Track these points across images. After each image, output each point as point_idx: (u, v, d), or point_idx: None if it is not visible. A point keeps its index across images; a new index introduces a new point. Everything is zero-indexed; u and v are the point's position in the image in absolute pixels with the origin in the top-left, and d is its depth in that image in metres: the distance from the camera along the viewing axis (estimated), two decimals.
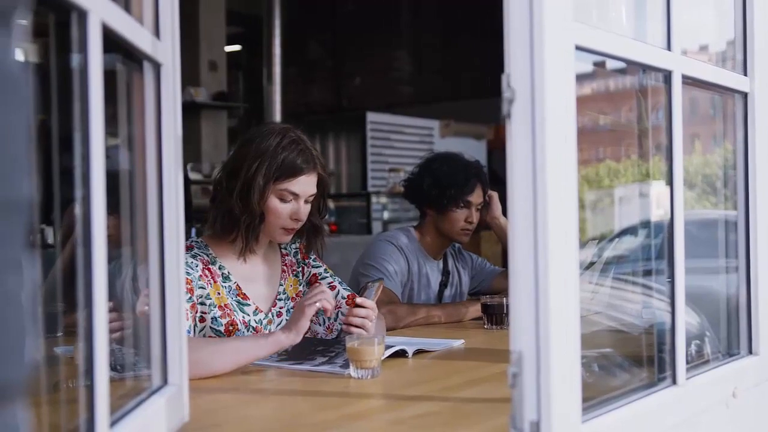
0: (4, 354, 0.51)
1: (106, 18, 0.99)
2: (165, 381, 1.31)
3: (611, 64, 1.44)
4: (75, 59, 0.96)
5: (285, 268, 2.26)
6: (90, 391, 0.96)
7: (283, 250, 2.29)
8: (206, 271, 2.07)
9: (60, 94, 0.97)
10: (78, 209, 0.96)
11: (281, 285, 2.23)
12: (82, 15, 0.94)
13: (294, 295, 2.25)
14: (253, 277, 2.18)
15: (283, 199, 2.08)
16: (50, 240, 2.80)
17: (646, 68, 1.48)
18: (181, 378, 1.33)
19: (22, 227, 0.53)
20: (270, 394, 1.74)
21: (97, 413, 0.96)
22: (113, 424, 1.03)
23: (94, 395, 0.96)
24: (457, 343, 2.26)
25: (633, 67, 1.50)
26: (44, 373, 1.12)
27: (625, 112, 1.91)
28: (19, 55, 0.56)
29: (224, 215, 2.10)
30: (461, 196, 2.87)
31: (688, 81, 1.49)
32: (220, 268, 2.11)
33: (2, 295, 0.49)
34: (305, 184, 2.09)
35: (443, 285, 3.02)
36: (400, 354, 2.03)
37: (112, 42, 1.05)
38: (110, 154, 1.02)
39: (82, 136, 0.95)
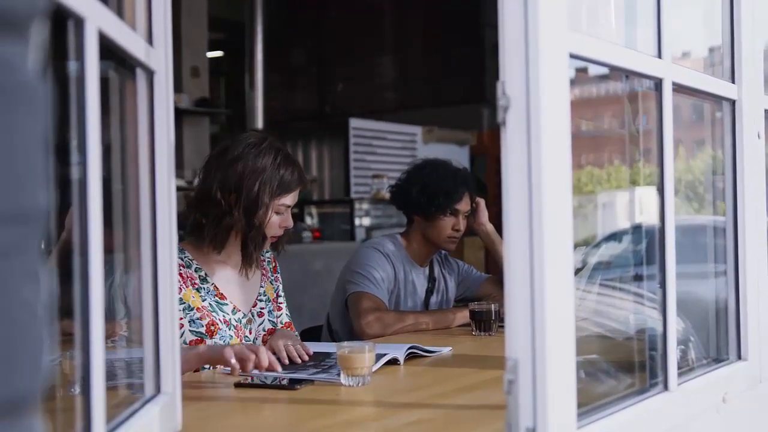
0: (24, 364, 0.51)
1: (102, 25, 0.99)
2: (158, 390, 1.30)
3: (594, 70, 1.44)
4: (71, 66, 0.95)
5: (264, 272, 2.35)
6: (86, 401, 0.95)
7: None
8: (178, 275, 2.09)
9: (55, 101, 0.96)
10: (74, 215, 0.95)
11: (262, 287, 2.31)
12: (79, 22, 0.94)
13: (271, 299, 2.33)
14: (233, 278, 2.24)
15: (278, 212, 2.19)
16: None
17: (637, 76, 1.49)
18: (174, 387, 1.32)
19: (39, 237, 0.52)
20: (262, 403, 1.73)
21: (94, 423, 0.95)
22: None
23: (91, 405, 0.95)
24: (445, 350, 2.26)
25: (618, 73, 1.51)
26: None
27: (608, 118, 1.92)
28: (36, 66, 0.55)
29: (224, 230, 2.14)
30: (449, 204, 2.86)
31: (677, 88, 1.50)
32: (196, 271, 2.17)
33: (21, 305, 0.49)
34: (296, 196, 2.23)
35: (429, 292, 3.02)
36: (392, 361, 2.03)
37: (106, 49, 1.04)
38: (102, 161, 1.02)
39: (79, 143, 0.94)
